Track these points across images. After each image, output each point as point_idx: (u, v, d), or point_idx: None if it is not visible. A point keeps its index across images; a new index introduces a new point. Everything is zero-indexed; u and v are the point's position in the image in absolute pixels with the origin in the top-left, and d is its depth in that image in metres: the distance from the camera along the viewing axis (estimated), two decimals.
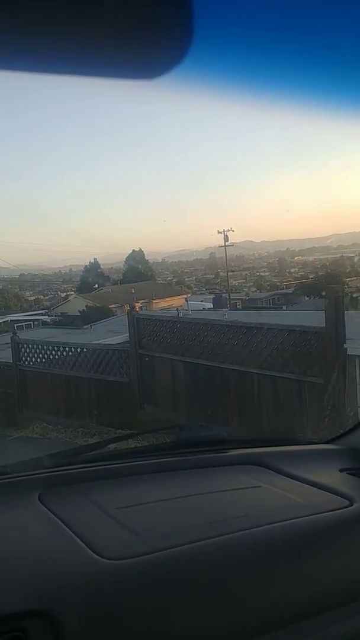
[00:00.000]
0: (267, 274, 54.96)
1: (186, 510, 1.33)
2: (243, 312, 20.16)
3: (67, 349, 9.52)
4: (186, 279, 52.51)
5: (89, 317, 22.53)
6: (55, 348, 9.68)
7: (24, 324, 25.66)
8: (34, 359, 9.90)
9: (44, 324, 26.13)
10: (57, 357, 9.58)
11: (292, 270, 54.94)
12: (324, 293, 8.48)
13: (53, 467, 1.47)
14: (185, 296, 29.06)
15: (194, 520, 1.27)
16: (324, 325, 6.27)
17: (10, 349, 10.32)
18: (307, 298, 30.28)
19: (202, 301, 27.52)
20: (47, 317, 30.60)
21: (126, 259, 45.54)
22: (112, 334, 11.89)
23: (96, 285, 37.53)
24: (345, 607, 1.18)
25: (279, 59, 0.81)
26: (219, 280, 48.33)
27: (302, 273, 48.73)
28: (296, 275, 48.61)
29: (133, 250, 45.30)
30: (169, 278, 52.60)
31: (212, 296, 31.85)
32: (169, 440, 1.82)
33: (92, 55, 0.66)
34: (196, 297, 31.61)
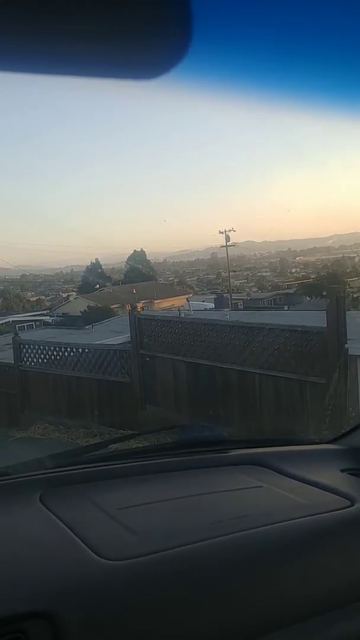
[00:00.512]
0: (268, 274, 54.96)
1: (187, 510, 1.33)
2: (245, 312, 20.14)
3: (68, 349, 9.52)
4: (188, 279, 52.52)
5: (91, 317, 22.54)
6: (57, 348, 9.68)
7: (25, 324, 25.68)
8: (35, 360, 9.90)
9: (46, 324, 26.15)
10: (58, 357, 9.58)
11: (294, 270, 54.94)
12: (325, 293, 8.47)
13: (54, 468, 1.47)
14: (186, 296, 29.06)
15: (195, 520, 1.27)
16: (326, 325, 6.26)
17: (12, 350, 10.32)
18: (308, 298, 30.26)
19: (203, 301, 27.52)
20: (48, 317, 30.63)
21: (127, 259, 45.58)
22: (114, 334, 11.89)
23: (97, 286, 37.55)
24: (347, 607, 1.18)
25: (279, 59, 0.81)
26: (220, 280, 48.35)
27: (304, 273, 48.71)
28: (298, 275, 48.59)
29: (134, 250, 45.35)
30: (170, 278, 52.62)
31: (213, 296, 31.88)
32: (170, 440, 1.82)
33: (91, 55, 0.66)
34: (198, 297, 31.62)
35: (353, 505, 1.33)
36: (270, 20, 0.74)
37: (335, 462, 1.62)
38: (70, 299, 37.09)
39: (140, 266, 43.23)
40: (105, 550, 1.10)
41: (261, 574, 1.15)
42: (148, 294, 29.05)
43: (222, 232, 35.46)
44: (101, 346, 9.47)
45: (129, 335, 8.76)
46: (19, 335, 11.15)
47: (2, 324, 26.89)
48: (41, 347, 9.90)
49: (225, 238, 35.49)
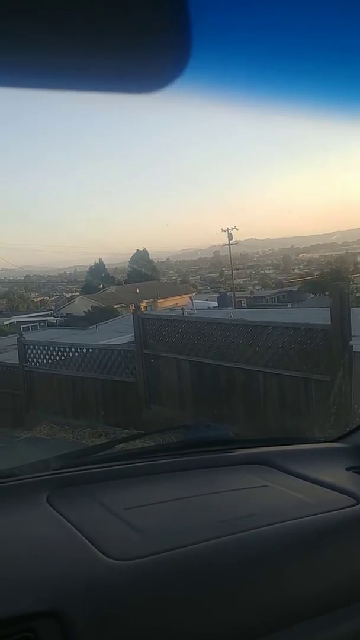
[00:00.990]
0: (271, 271, 54.86)
1: (194, 510, 1.34)
2: (248, 310, 20.15)
3: (72, 349, 9.53)
4: (191, 278, 52.48)
5: (94, 317, 22.57)
6: (61, 349, 9.69)
7: (30, 325, 25.74)
8: (40, 360, 9.91)
9: (50, 324, 26.21)
10: (63, 357, 9.59)
11: (297, 267, 54.82)
12: (329, 290, 8.44)
13: (61, 469, 1.48)
14: (190, 295, 29.06)
15: (201, 520, 1.27)
16: (330, 322, 6.24)
17: (17, 350, 10.35)
18: (312, 295, 30.22)
19: (207, 300, 27.54)
20: (52, 318, 30.68)
21: (130, 259, 45.56)
22: (118, 334, 11.91)
23: (101, 286, 37.56)
24: (352, 605, 1.18)
25: (280, 61, 0.81)
26: (223, 278, 48.28)
27: (307, 270, 48.59)
28: (301, 272, 48.48)
29: (137, 250, 45.33)
30: (173, 277, 52.57)
31: (217, 295, 31.85)
32: (175, 440, 1.82)
33: (93, 55, 0.66)
34: (201, 296, 31.61)
35: (358, 504, 1.33)
36: (270, 22, 0.74)
37: (341, 460, 1.62)
38: (74, 299, 37.11)
39: (143, 266, 43.22)
40: (112, 550, 1.10)
41: (267, 572, 1.16)
42: (151, 293, 29.06)
43: (224, 231, 35.43)
44: (105, 346, 9.47)
45: (133, 335, 8.75)
46: (24, 335, 11.17)
47: (7, 324, 26.96)
48: (46, 348, 9.91)
49: (228, 236, 35.46)
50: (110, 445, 1.92)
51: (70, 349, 9.58)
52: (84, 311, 28.92)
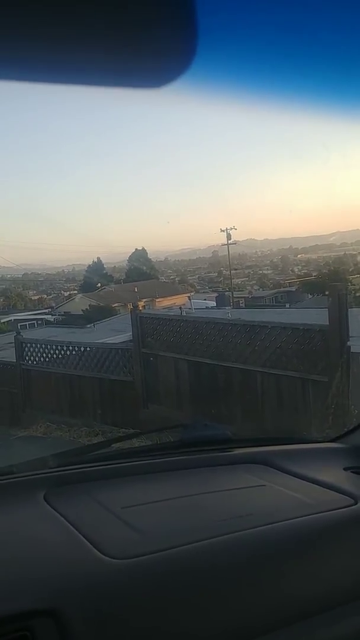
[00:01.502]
0: (270, 272, 54.82)
1: (191, 509, 1.33)
2: (246, 310, 20.15)
3: (70, 348, 9.52)
4: (189, 278, 52.41)
5: (92, 316, 22.54)
6: (59, 347, 9.68)
7: (27, 323, 25.70)
8: (37, 358, 9.90)
9: (48, 323, 26.16)
10: (60, 356, 9.58)
11: (295, 268, 54.77)
12: (327, 291, 8.46)
13: (58, 467, 1.47)
14: (188, 295, 29.04)
15: (199, 519, 1.27)
16: (328, 323, 6.25)
17: (14, 348, 10.33)
18: (310, 296, 30.22)
19: (205, 299, 27.52)
20: (50, 316, 30.62)
21: (129, 258, 45.49)
22: (116, 333, 11.89)
23: (99, 285, 37.50)
24: (350, 605, 1.18)
25: (282, 60, 0.81)
26: (221, 278, 48.24)
27: (305, 271, 48.57)
28: (299, 273, 48.44)
29: (136, 249, 45.24)
30: (172, 277, 52.49)
31: (215, 294, 31.83)
32: (173, 439, 1.82)
33: (94, 59, 0.66)
34: (199, 296, 31.58)
35: (356, 504, 1.33)
36: (272, 20, 0.74)
37: (339, 460, 1.62)
38: (72, 297, 37.06)
39: (141, 265, 43.17)
40: (110, 548, 1.10)
41: (265, 572, 1.15)
42: (149, 292, 29.03)
43: (223, 231, 35.35)
44: (103, 345, 9.46)
45: (131, 334, 8.75)
46: (21, 333, 11.14)
47: (4, 322, 26.92)
48: (43, 346, 9.90)
49: (227, 236, 35.40)
50: (107, 444, 1.92)
51: (67, 347, 9.57)
52: (82, 310, 28.89)
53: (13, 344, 10.47)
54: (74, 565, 1.07)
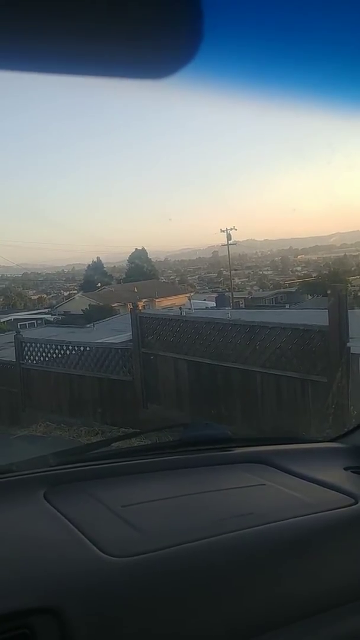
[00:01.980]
0: (270, 272, 54.87)
1: (191, 508, 1.33)
2: (246, 310, 20.16)
3: (70, 347, 9.53)
4: (189, 278, 52.45)
5: (92, 315, 22.57)
6: (59, 347, 9.68)
7: (27, 322, 25.72)
8: (37, 358, 9.90)
9: (47, 322, 26.17)
10: (60, 355, 9.59)
11: (295, 269, 54.81)
12: (327, 292, 8.46)
13: (58, 465, 1.47)
14: (188, 295, 29.09)
15: (198, 518, 1.27)
16: (328, 324, 6.25)
17: (14, 348, 10.33)
18: (310, 297, 30.24)
19: (205, 300, 27.56)
20: (50, 315, 30.64)
21: (129, 258, 45.52)
22: (115, 333, 11.90)
23: (99, 284, 37.53)
24: (350, 604, 1.18)
25: (283, 59, 0.81)
26: (221, 279, 48.28)
27: (305, 272, 48.61)
28: (299, 274, 48.49)
29: (136, 249, 45.29)
30: (172, 277, 52.54)
31: (215, 295, 31.88)
32: (172, 438, 1.82)
33: (95, 54, 0.66)
34: (199, 296, 31.62)
35: (356, 503, 1.33)
36: (275, 20, 0.74)
37: (339, 460, 1.62)
38: (72, 297, 37.08)
39: (141, 265, 43.18)
40: (110, 547, 1.10)
41: (265, 571, 1.15)
42: (149, 292, 29.05)
43: (223, 231, 35.42)
44: (103, 345, 9.47)
45: (131, 333, 8.76)
46: (21, 333, 11.15)
47: (4, 322, 26.92)
48: (43, 346, 9.90)
49: (227, 236, 35.46)
50: (107, 443, 1.92)
51: (67, 347, 9.57)
52: (82, 309, 28.91)
53: (13, 344, 10.48)
54: (74, 564, 1.07)
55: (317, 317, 7.10)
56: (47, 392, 9.69)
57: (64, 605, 0.96)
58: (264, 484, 1.45)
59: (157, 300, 27.60)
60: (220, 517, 1.26)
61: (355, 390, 5.95)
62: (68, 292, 43.50)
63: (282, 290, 38.40)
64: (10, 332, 13.08)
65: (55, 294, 46.43)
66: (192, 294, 31.94)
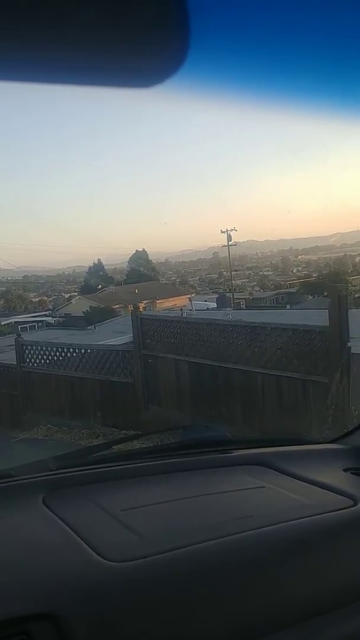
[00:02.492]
0: (270, 273, 54.87)
1: (191, 511, 1.33)
2: (247, 311, 20.16)
3: (71, 350, 9.53)
4: (190, 279, 52.46)
5: (93, 317, 22.58)
6: (59, 349, 9.68)
7: (28, 325, 25.72)
8: (38, 361, 9.90)
9: (48, 325, 26.19)
10: (61, 358, 9.58)
11: (296, 269, 54.83)
12: (327, 292, 8.46)
13: (57, 470, 1.47)
14: (188, 296, 29.09)
15: (198, 521, 1.27)
16: (328, 324, 6.25)
17: (15, 351, 10.33)
18: (310, 297, 30.25)
19: (205, 301, 27.56)
20: (51, 318, 30.66)
21: (129, 260, 45.53)
22: (116, 335, 11.89)
23: (100, 286, 37.53)
24: (350, 606, 1.18)
25: (278, 60, 0.81)
26: (222, 280, 48.29)
27: (306, 272, 48.62)
28: (299, 274, 48.51)
29: (136, 250, 45.32)
30: (172, 278, 52.55)
31: (215, 296, 31.89)
32: (173, 440, 1.82)
33: (92, 58, 0.66)
34: (200, 297, 31.62)
35: (356, 505, 1.32)
36: (268, 21, 0.74)
37: (338, 461, 1.62)
38: (73, 299, 37.12)
39: (142, 266, 43.19)
40: (109, 551, 1.10)
41: (265, 574, 1.15)
42: (150, 294, 29.05)
43: (223, 232, 35.45)
44: (104, 347, 9.47)
45: (132, 335, 8.75)
46: (22, 336, 11.15)
47: (5, 325, 26.94)
48: (44, 348, 9.90)
49: (227, 237, 35.48)
50: (107, 446, 1.91)
51: (68, 349, 9.57)
52: (83, 311, 28.92)
53: (14, 346, 10.48)
54: (73, 569, 1.07)
55: (317, 317, 7.11)
56: (48, 395, 9.69)
57: (62, 610, 0.95)
58: (264, 486, 1.44)
59: (158, 301, 27.59)
60: (220, 519, 1.26)
61: (356, 391, 5.94)
62: (69, 295, 43.52)
63: (282, 290, 38.42)
64: (11, 335, 13.08)
65: (55, 297, 46.45)
66: (192, 295, 31.93)
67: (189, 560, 1.11)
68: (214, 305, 24.91)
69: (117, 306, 27.29)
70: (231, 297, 31.78)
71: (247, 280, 50.36)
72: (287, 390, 6.71)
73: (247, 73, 0.80)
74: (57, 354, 9.63)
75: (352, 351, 6.08)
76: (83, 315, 27.36)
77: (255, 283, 48.12)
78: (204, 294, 37.68)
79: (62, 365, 9.53)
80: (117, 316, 20.39)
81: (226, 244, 36.04)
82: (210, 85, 0.75)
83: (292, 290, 37.29)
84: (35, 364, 9.95)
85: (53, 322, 28.46)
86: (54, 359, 9.66)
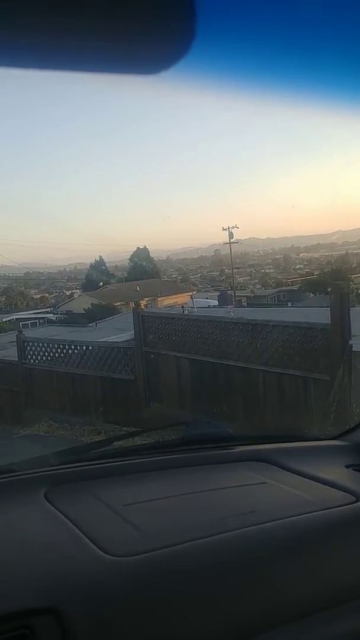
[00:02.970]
0: (272, 270, 54.85)
1: (192, 507, 1.33)
2: (248, 309, 20.16)
3: (72, 347, 9.53)
4: (191, 276, 52.46)
5: (94, 314, 22.60)
6: (61, 346, 9.68)
7: (29, 322, 25.74)
8: (39, 357, 9.90)
9: (49, 322, 26.19)
10: (62, 355, 9.59)
11: (297, 267, 54.81)
12: (329, 289, 8.46)
13: (59, 465, 1.47)
14: (190, 293, 29.08)
15: (200, 517, 1.27)
16: (330, 321, 6.25)
17: (16, 347, 10.34)
18: (312, 295, 30.23)
19: (207, 298, 27.56)
20: (52, 315, 30.66)
21: (131, 257, 45.50)
22: (118, 332, 11.91)
23: (101, 283, 37.54)
24: (352, 602, 1.18)
25: (283, 54, 0.80)
26: (224, 277, 48.24)
27: (307, 270, 48.58)
28: (301, 272, 48.46)
29: (138, 247, 45.28)
30: (174, 275, 52.53)
31: (217, 293, 31.84)
32: (174, 437, 1.81)
33: (93, 51, 0.65)
34: (201, 295, 31.61)
35: (357, 501, 1.32)
36: (274, 14, 0.73)
37: (340, 458, 1.62)
38: (74, 296, 37.14)
39: (143, 263, 43.17)
40: (111, 546, 1.10)
41: (266, 569, 1.15)
42: (151, 291, 29.05)
43: (225, 229, 35.45)
44: (105, 344, 9.47)
45: (133, 332, 8.75)
46: (23, 332, 11.15)
47: (6, 321, 26.95)
48: (45, 345, 9.90)
49: (229, 235, 35.49)
50: (109, 442, 1.91)
51: (69, 346, 9.57)
52: (84, 308, 28.94)
53: (15, 343, 10.48)
54: (75, 563, 1.07)
55: (319, 315, 7.10)
56: (49, 392, 9.70)
57: (64, 605, 0.95)
58: (266, 482, 1.44)
59: (159, 298, 27.60)
60: (222, 515, 1.26)
61: (357, 388, 5.94)
62: (70, 292, 43.53)
63: (284, 288, 38.40)
64: (13, 332, 13.09)
65: (57, 294, 46.47)
66: (194, 292, 31.94)
67: (190, 556, 1.11)
68: (216, 302, 24.90)
69: (118, 303, 27.31)
70: (233, 294, 31.75)
71: (249, 277, 50.34)
72: (288, 387, 6.71)
73: (251, 65, 0.79)
74: (59, 350, 9.64)
75: (353, 349, 6.07)
76: (84, 312, 27.38)
77: (256, 280, 48.10)
78: (206, 291, 37.66)
79: (63, 362, 9.53)
80: (119, 313, 20.39)
81: (228, 241, 36.07)
82: (212, 78, 0.75)
83: (293, 288, 37.25)
84: (36, 361, 9.95)
85: (54, 319, 28.47)
86: (55, 356, 9.66)
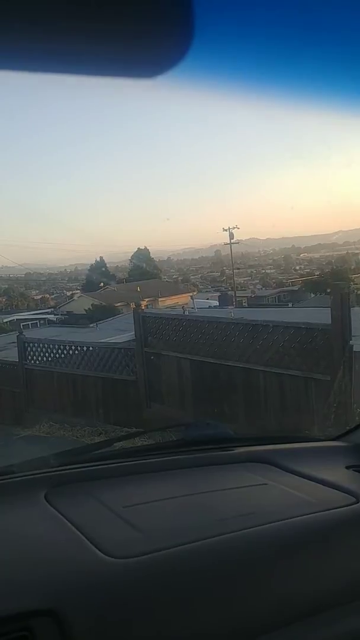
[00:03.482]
0: (272, 271, 54.85)
1: (193, 508, 1.33)
2: (249, 309, 20.17)
3: (73, 347, 9.53)
4: (192, 277, 52.44)
5: (95, 315, 22.61)
6: (61, 347, 9.68)
7: (30, 322, 25.75)
8: (40, 358, 9.90)
9: (50, 322, 26.21)
10: (63, 355, 9.58)
11: (298, 267, 54.80)
12: (329, 290, 8.46)
13: (59, 466, 1.47)
14: (190, 294, 29.10)
15: (200, 518, 1.27)
16: (330, 322, 6.24)
17: (17, 348, 10.34)
18: (312, 295, 30.23)
19: (207, 299, 27.59)
20: (53, 315, 30.66)
21: (132, 257, 45.54)
22: (118, 333, 11.91)
23: (102, 284, 37.54)
24: (353, 603, 1.18)
25: (282, 56, 0.81)
26: (224, 278, 48.23)
27: (308, 270, 48.55)
28: (302, 272, 48.44)
29: (138, 248, 45.35)
30: (174, 276, 52.52)
31: (217, 294, 31.85)
32: (175, 438, 1.81)
33: (94, 52, 0.66)
34: (202, 295, 31.64)
35: (358, 502, 1.32)
36: (272, 17, 0.74)
37: (340, 459, 1.62)
38: (75, 297, 37.14)
39: (144, 264, 43.18)
40: (111, 548, 1.10)
41: (267, 571, 1.15)
42: (152, 292, 29.05)
43: (225, 230, 35.45)
44: (106, 344, 9.47)
45: (134, 333, 8.75)
46: (24, 333, 11.15)
47: (7, 322, 26.95)
48: (46, 346, 9.90)
49: (229, 235, 35.49)
50: (109, 443, 1.91)
51: (70, 347, 9.57)
52: (85, 309, 28.96)
53: (15, 344, 10.48)
54: (75, 565, 1.07)
55: (319, 315, 7.09)
56: (50, 392, 9.69)
57: (64, 607, 0.95)
58: (266, 484, 1.44)
59: (160, 299, 27.60)
60: (223, 516, 1.26)
61: (358, 389, 5.94)
62: (71, 292, 43.53)
63: (285, 288, 38.40)
64: (13, 333, 13.09)
65: (57, 294, 46.46)
66: (194, 293, 31.95)
67: (190, 557, 1.11)
68: (216, 303, 24.92)
69: (119, 304, 27.30)
70: (233, 295, 31.75)
71: (249, 278, 50.33)
72: (289, 388, 6.71)
73: (250, 67, 0.79)
74: (59, 351, 9.63)
75: (354, 349, 6.07)
76: (85, 313, 27.40)
77: (257, 281, 48.10)
78: (206, 292, 37.66)
79: (64, 362, 9.53)
80: (119, 314, 20.39)
81: (228, 241, 36.07)
82: (211, 79, 0.75)
83: (294, 288, 37.26)
84: (37, 362, 9.95)
85: (55, 319, 28.47)
86: (56, 357, 9.66)
